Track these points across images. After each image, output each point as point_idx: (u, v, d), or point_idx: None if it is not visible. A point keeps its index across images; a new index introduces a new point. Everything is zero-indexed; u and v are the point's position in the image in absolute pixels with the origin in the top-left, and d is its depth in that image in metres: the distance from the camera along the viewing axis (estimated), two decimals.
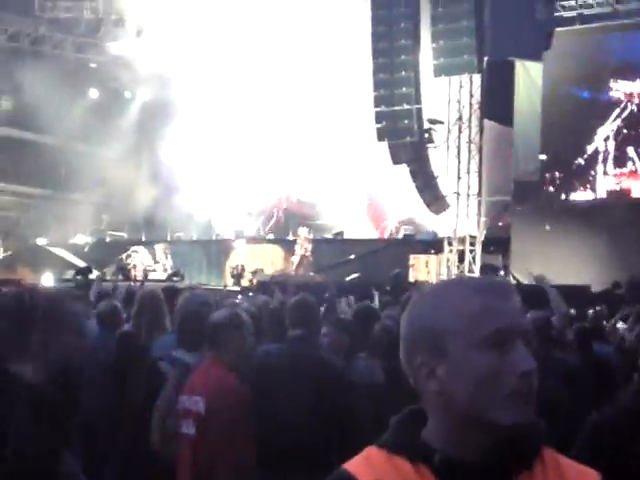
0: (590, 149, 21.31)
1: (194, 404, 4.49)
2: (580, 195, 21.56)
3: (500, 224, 23.55)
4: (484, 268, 21.34)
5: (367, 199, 28.29)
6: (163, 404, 4.88)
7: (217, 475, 4.37)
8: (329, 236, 27.15)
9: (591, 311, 9.72)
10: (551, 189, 21.89)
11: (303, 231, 24.92)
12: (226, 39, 27.85)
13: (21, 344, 2.99)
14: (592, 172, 21.44)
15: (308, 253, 24.29)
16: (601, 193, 21.40)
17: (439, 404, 1.72)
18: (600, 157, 21.32)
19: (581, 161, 21.48)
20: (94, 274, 23.83)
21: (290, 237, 26.66)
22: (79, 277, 22.26)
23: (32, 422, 2.84)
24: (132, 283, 19.68)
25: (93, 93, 32.17)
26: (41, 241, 30.09)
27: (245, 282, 23.84)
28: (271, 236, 28.21)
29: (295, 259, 24.46)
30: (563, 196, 21.74)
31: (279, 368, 5.18)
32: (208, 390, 4.50)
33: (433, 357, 1.70)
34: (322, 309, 8.21)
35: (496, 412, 1.65)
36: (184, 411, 4.54)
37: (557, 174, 21.87)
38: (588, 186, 21.49)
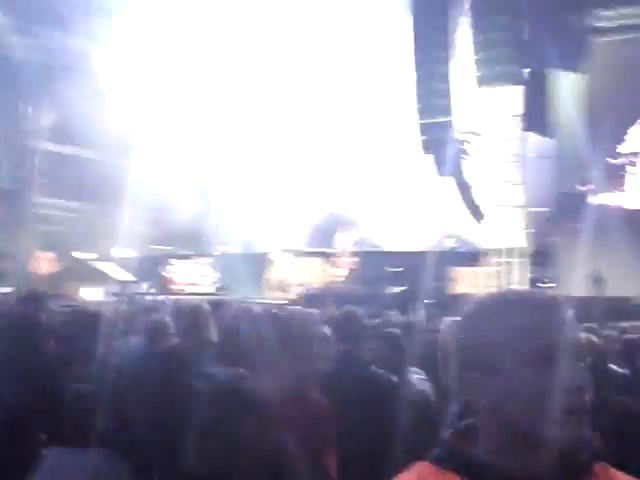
0: (625, 150, 21.15)
1: None
2: (612, 197, 21.37)
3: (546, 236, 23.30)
4: (531, 281, 21.19)
5: (410, 211, 28.15)
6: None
7: None
8: (372, 249, 27.09)
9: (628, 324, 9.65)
10: (583, 188, 21.68)
11: (346, 243, 24.90)
12: (268, 47, 27.95)
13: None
14: (623, 173, 21.29)
15: (352, 266, 24.25)
16: (634, 195, 21.19)
17: (489, 419, 1.72)
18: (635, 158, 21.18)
19: (614, 162, 21.31)
20: (140, 288, 24.02)
21: (333, 250, 26.62)
22: (125, 291, 22.49)
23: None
24: (179, 297, 19.82)
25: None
26: (87, 256, 30.29)
27: (292, 295, 23.84)
28: (315, 249, 28.17)
29: (339, 272, 24.43)
30: (597, 198, 21.52)
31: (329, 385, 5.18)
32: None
33: (483, 372, 1.71)
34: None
35: (547, 428, 1.65)
36: None
37: (588, 175, 21.68)
38: (621, 188, 21.32)
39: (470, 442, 1.75)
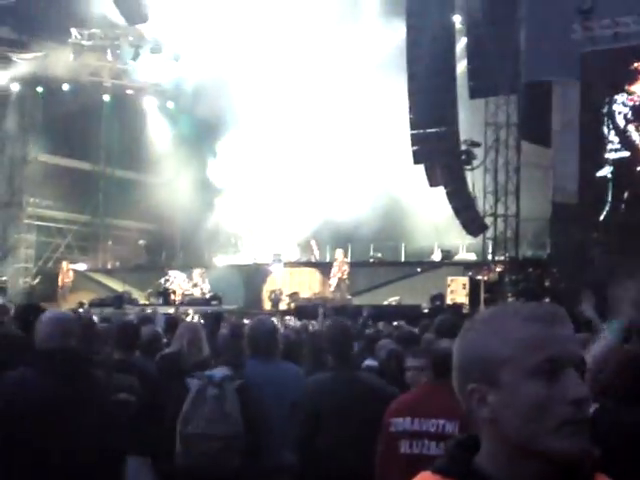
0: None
1: (441, 427, 4.52)
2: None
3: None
4: (523, 291, 21.13)
5: (403, 221, 28.05)
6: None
7: None
8: (367, 259, 27.05)
9: None
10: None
11: (340, 254, 24.83)
12: (260, 65, 27.95)
13: None
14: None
15: (345, 276, 24.18)
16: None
17: (491, 431, 1.72)
18: None
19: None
20: (136, 299, 23.99)
21: (327, 260, 26.58)
22: (117, 302, 22.47)
23: None
24: (172, 310, 19.82)
25: (130, 119, 32.37)
26: (80, 267, 30.27)
27: (283, 306, 23.79)
28: (309, 259, 28.09)
29: (332, 282, 24.36)
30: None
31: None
32: (461, 414, 4.50)
33: (484, 384, 1.71)
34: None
35: (548, 441, 1.65)
36: (427, 434, 4.57)
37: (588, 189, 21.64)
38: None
39: (473, 453, 1.76)
